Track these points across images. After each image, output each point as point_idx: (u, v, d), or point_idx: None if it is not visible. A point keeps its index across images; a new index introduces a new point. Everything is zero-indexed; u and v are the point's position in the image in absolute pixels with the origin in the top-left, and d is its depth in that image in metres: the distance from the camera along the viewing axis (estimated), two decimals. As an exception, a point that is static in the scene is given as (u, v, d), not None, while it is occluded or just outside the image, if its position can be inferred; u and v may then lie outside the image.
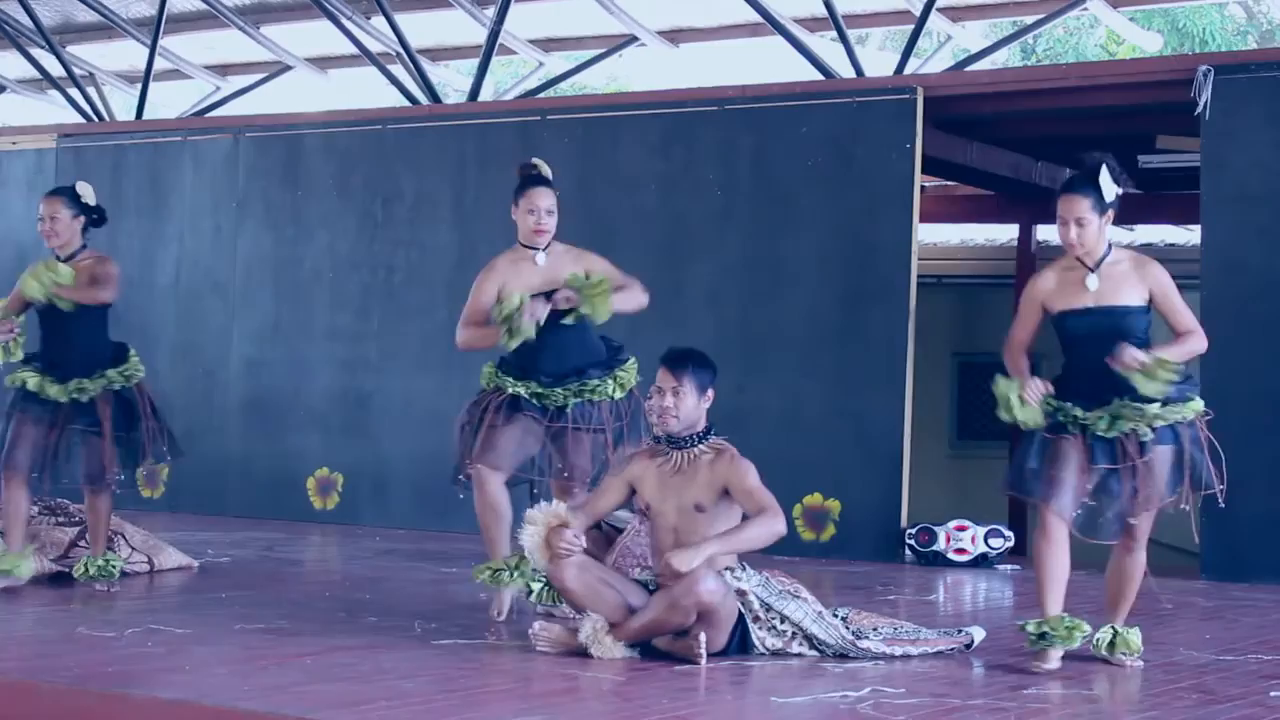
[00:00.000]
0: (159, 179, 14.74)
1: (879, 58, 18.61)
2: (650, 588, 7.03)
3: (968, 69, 13.43)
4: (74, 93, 16.30)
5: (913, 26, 13.06)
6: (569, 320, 7.93)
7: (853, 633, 7.07)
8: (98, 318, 9.00)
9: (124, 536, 9.62)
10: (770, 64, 16.03)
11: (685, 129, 12.60)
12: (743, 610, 6.90)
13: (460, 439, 8.15)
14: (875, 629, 7.21)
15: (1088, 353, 6.86)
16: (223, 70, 17.42)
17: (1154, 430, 6.85)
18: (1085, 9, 13.88)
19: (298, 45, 16.47)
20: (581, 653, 6.78)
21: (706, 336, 10.86)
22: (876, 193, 11.76)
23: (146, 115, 15.96)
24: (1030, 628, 6.92)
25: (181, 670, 6.36)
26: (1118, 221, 17.35)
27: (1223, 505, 7.02)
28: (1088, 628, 6.97)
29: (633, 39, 15.23)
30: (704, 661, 6.65)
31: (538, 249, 8.03)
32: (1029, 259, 15.42)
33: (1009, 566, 11.33)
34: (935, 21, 13.67)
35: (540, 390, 7.93)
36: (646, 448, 7.53)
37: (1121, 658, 7.04)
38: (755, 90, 12.58)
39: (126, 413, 8.97)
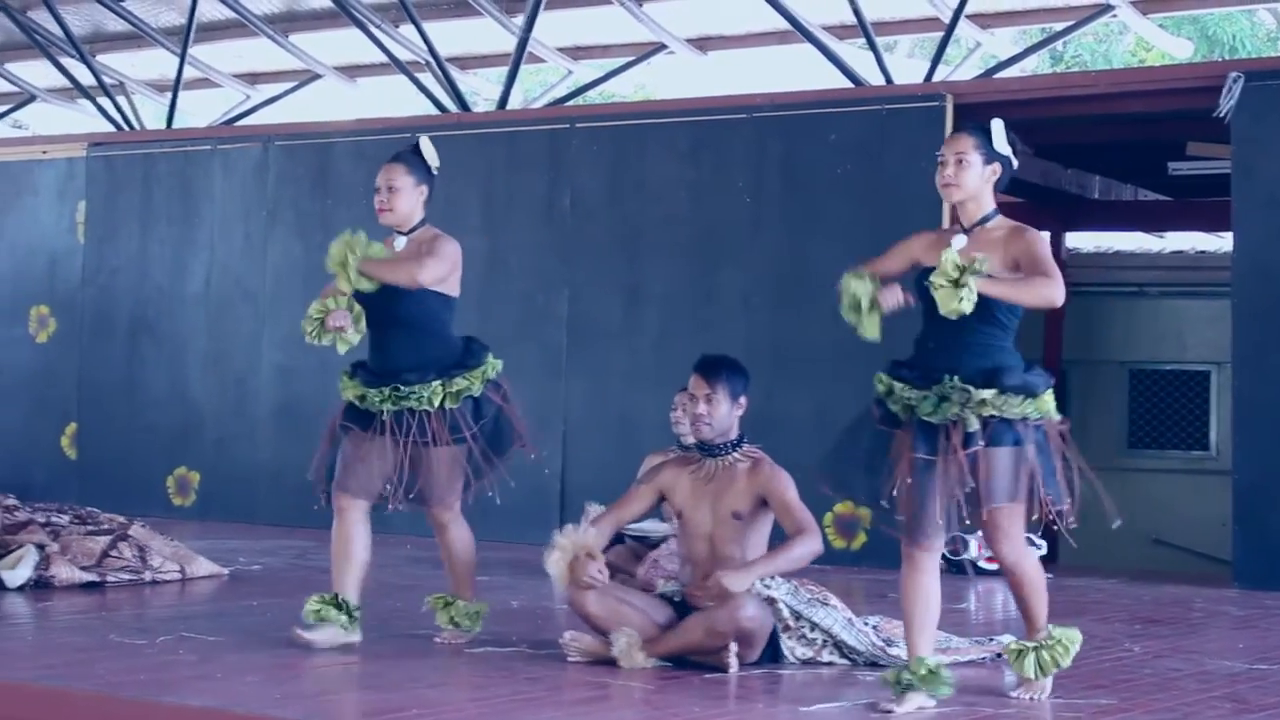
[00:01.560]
0: (189, 187, 14.78)
1: (908, 65, 18.55)
2: (676, 599, 7.03)
3: (997, 76, 13.41)
4: (104, 101, 16.35)
5: (942, 34, 13.04)
6: (367, 286, 7.22)
7: (884, 640, 7.07)
8: None
9: (152, 548, 9.64)
10: (799, 72, 16.02)
11: (714, 137, 12.59)
12: (773, 620, 6.91)
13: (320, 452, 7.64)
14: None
15: (939, 323, 6.16)
16: (252, 79, 17.45)
17: (984, 422, 6.09)
18: (1114, 16, 13.84)
19: (327, 54, 16.49)
20: (612, 661, 6.78)
21: (737, 343, 10.85)
22: (906, 200, 11.73)
23: (176, 124, 16.00)
24: (889, 675, 6.25)
25: (213, 678, 6.37)
26: (1146, 227, 17.30)
27: (1071, 526, 6.28)
28: (949, 679, 6.24)
29: (661, 47, 15.22)
30: (734, 670, 6.65)
31: (397, 232, 7.50)
32: (1059, 266, 15.34)
33: (1040, 574, 11.27)
34: (964, 29, 13.64)
35: (363, 390, 7.32)
36: (675, 455, 7.52)
37: (1034, 681, 6.39)
38: (784, 98, 12.57)
39: None
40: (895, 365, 6.32)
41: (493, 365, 7.43)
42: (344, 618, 7.24)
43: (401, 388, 7.20)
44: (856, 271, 6.34)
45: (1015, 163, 6.47)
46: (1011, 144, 6.44)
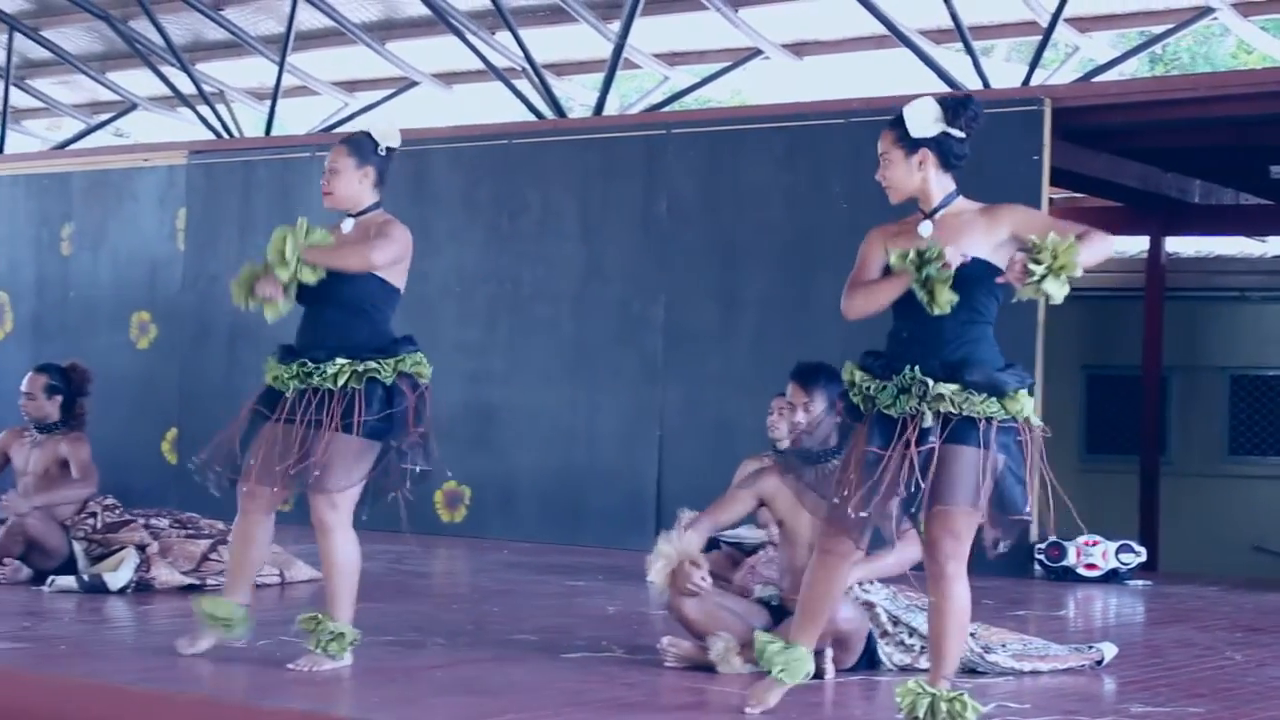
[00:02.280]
0: (288, 194, 14.87)
1: (1005, 69, 18.47)
2: (773, 604, 7.02)
3: (1095, 80, 13.32)
4: (204, 110, 16.50)
5: (1040, 37, 12.98)
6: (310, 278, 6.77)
7: (981, 647, 7.03)
8: None
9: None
10: (895, 76, 15.96)
11: (810, 142, 12.56)
12: (870, 624, 6.88)
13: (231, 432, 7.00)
14: (1004, 645, 7.16)
15: (912, 313, 5.79)
16: (350, 86, 17.57)
17: (948, 420, 5.64)
18: (1215, 18, 13.73)
19: (424, 61, 16.59)
20: (709, 667, 6.78)
21: (833, 349, 10.79)
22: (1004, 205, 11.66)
23: (275, 132, 16.13)
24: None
25: (312, 682, 6.40)
26: (1248, 232, 17.13)
27: (1035, 538, 5.72)
28: (808, 665, 5.98)
29: (757, 52, 15.21)
30: (830, 676, 6.63)
31: (348, 214, 7.02)
32: (1159, 271, 15.26)
33: (1141, 582, 11.20)
34: (1062, 32, 13.56)
35: (278, 371, 6.90)
36: (775, 463, 7.50)
37: None
38: (881, 102, 12.51)
39: None
40: (866, 355, 5.96)
41: (414, 361, 6.91)
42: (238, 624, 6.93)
43: (309, 363, 6.77)
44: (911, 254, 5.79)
45: (957, 132, 5.93)
46: (953, 111, 5.94)
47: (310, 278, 6.76)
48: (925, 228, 5.88)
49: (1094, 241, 5.64)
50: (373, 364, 6.77)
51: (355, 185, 7.03)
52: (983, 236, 5.79)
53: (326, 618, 6.74)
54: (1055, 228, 5.66)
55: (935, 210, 5.92)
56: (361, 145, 7.02)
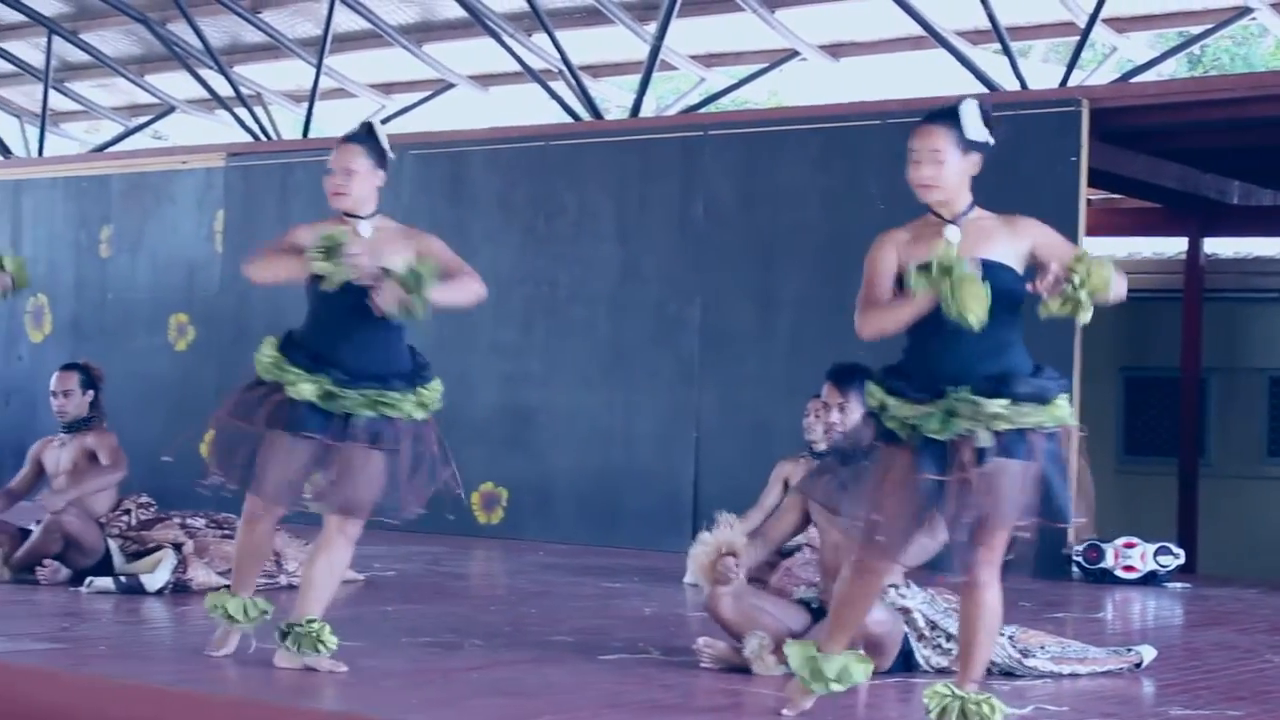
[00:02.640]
0: (325, 197, 14.86)
1: (1043, 70, 18.42)
2: (813, 605, 7.01)
3: (1133, 80, 13.27)
4: (242, 112, 16.54)
5: (1077, 38, 12.94)
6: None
7: (1020, 650, 7.01)
8: None
9: (287, 554, 9.71)
10: (932, 77, 15.94)
11: (847, 143, 12.54)
12: (907, 628, 6.87)
13: (219, 438, 7.18)
14: (1043, 647, 7.14)
15: (938, 327, 5.53)
16: (387, 89, 17.59)
17: (997, 436, 5.44)
18: (1254, 18, 13.67)
19: (461, 63, 16.60)
20: (745, 669, 6.77)
21: (871, 352, 10.79)
22: (1041, 206, 11.54)
23: (312, 134, 16.15)
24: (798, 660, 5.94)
25: (349, 683, 6.41)
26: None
27: (1071, 548, 5.51)
28: (860, 677, 5.96)
29: (794, 53, 15.19)
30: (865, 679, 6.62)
31: (358, 217, 6.99)
32: (1197, 272, 15.20)
33: (1179, 584, 11.16)
34: (1100, 33, 13.52)
35: (332, 388, 6.68)
36: (809, 463, 7.50)
37: None
38: (918, 103, 12.47)
39: None
40: (889, 374, 5.73)
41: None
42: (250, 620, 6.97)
43: (388, 394, 6.69)
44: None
45: (992, 140, 5.81)
46: (987, 119, 5.81)
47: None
48: (953, 232, 5.70)
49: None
50: (428, 394, 6.87)
51: (370, 187, 7.05)
52: (1007, 245, 5.67)
53: (308, 618, 6.69)
54: (1064, 243, 5.70)
55: (960, 216, 5.77)
56: (376, 147, 7.05)
